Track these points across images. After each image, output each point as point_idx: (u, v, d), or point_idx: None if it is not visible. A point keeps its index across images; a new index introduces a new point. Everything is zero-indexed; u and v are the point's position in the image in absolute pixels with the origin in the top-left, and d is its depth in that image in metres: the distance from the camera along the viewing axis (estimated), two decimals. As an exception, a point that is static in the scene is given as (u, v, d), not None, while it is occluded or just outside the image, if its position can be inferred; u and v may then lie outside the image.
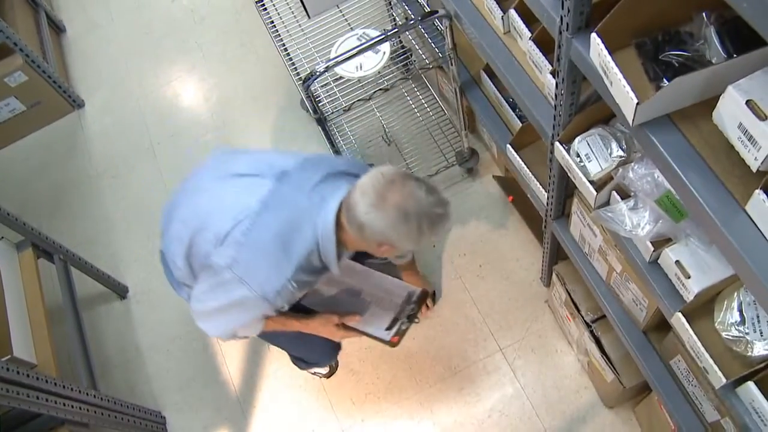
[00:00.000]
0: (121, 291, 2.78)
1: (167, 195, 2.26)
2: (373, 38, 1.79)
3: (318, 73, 1.80)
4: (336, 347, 2.16)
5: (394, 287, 2.02)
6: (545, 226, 1.97)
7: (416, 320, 1.96)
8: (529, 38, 1.55)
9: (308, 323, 1.83)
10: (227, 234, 1.50)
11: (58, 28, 3.80)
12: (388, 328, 1.89)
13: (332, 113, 2.14)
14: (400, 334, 1.88)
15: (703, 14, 1.09)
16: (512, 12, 1.61)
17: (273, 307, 1.57)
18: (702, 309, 1.29)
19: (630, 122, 1.03)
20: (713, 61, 1.07)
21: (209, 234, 1.54)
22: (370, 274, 2.05)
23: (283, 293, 1.51)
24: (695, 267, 1.27)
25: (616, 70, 1.01)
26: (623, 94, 1.01)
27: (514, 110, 2.03)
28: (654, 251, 1.34)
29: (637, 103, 0.98)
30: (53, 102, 3.38)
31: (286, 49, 2.37)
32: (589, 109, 1.39)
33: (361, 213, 1.40)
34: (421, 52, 2.50)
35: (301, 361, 2.24)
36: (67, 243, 2.59)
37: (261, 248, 1.50)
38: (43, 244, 2.43)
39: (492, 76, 2.10)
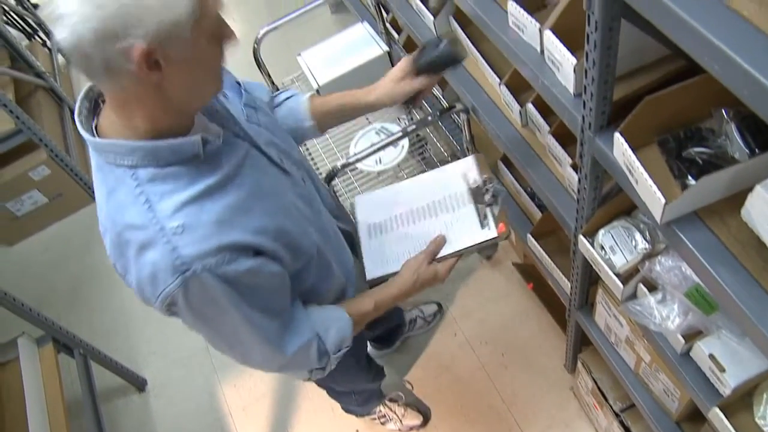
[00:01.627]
0: (139, 384, 2.75)
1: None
2: (392, 134, 1.82)
3: (339, 169, 1.84)
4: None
5: (445, 177, 1.59)
6: (569, 315, 1.95)
7: (502, 192, 1.51)
8: (548, 132, 1.58)
9: (395, 287, 1.42)
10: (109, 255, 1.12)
11: (80, 122, 3.91)
12: (483, 226, 1.48)
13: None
14: (500, 219, 1.46)
15: (723, 111, 1.11)
16: (530, 106, 1.65)
17: (213, 253, 1.03)
18: (740, 402, 1.26)
19: (658, 221, 1.04)
20: (736, 157, 1.08)
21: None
22: (409, 182, 1.65)
23: (181, 233, 1.01)
24: (730, 360, 1.25)
25: (641, 170, 1.02)
26: (650, 193, 1.02)
27: (533, 199, 2.04)
28: (685, 344, 1.32)
29: (665, 203, 0.99)
30: (74, 194, 3.46)
31: (305, 144, 2.42)
32: (611, 201, 1.40)
33: (64, 40, 0.88)
34: (438, 144, 2.54)
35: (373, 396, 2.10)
36: (86, 335, 2.59)
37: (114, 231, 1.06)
38: (63, 338, 2.42)
39: (509, 165, 2.12)
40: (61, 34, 0.87)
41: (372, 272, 1.52)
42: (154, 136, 1.02)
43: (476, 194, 1.51)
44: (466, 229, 1.47)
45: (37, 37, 4.26)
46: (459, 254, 1.47)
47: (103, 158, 1.04)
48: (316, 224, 1.31)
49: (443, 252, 1.45)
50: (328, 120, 1.55)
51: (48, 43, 4.22)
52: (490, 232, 1.45)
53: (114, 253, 1.09)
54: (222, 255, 1.03)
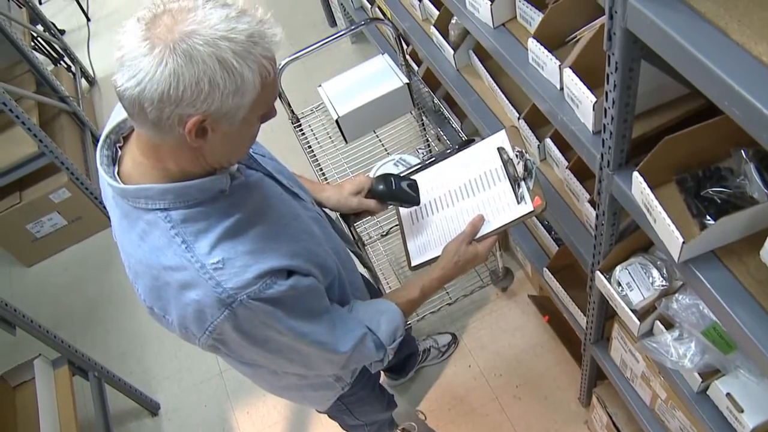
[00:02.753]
0: (152, 408, 2.75)
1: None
2: (411, 166, 1.84)
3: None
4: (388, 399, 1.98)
5: (480, 153, 1.57)
6: (584, 349, 1.94)
7: (535, 165, 1.49)
8: (566, 167, 1.59)
9: (438, 270, 1.46)
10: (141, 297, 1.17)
11: (101, 146, 3.97)
12: (519, 201, 1.47)
13: (371, 239, 2.16)
14: (535, 193, 1.45)
15: (742, 151, 1.12)
16: (548, 141, 1.66)
17: (251, 281, 1.06)
18: (757, 445, 1.25)
19: (676, 260, 1.04)
20: (755, 196, 1.08)
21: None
22: (442, 166, 1.65)
23: (222, 267, 1.04)
24: (748, 400, 1.24)
25: (660, 209, 1.03)
26: (668, 232, 1.03)
27: (549, 233, 2.04)
28: (702, 382, 1.31)
29: (683, 242, 0.99)
30: (93, 217, 3.49)
31: (323, 173, 2.44)
32: (629, 237, 1.41)
33: (125, 88, 0.89)
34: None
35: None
36: (101, 357, 2.61)
37: (153, 271, 1.08)
38: (78, 361, 2.44)
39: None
40: (125, 82, 0.89)
41: (416, 259, 1.56)
42: (182, 178, 1.05)
43: (510, 168, 1.51)
44: (503, 206, 1.49)
45: (62, 62, 4.35)
46: (498, 231, 1.49)
47: (132, 204, 1.06)
48: (329, 245, 1.34)
49: (482, 231, 1.47)
50: None
51: (72, 68, 4.31)
52: (527, 207, 1.45)
53: (150, 297, 1.13)
54: (263, 281, 1.06)
